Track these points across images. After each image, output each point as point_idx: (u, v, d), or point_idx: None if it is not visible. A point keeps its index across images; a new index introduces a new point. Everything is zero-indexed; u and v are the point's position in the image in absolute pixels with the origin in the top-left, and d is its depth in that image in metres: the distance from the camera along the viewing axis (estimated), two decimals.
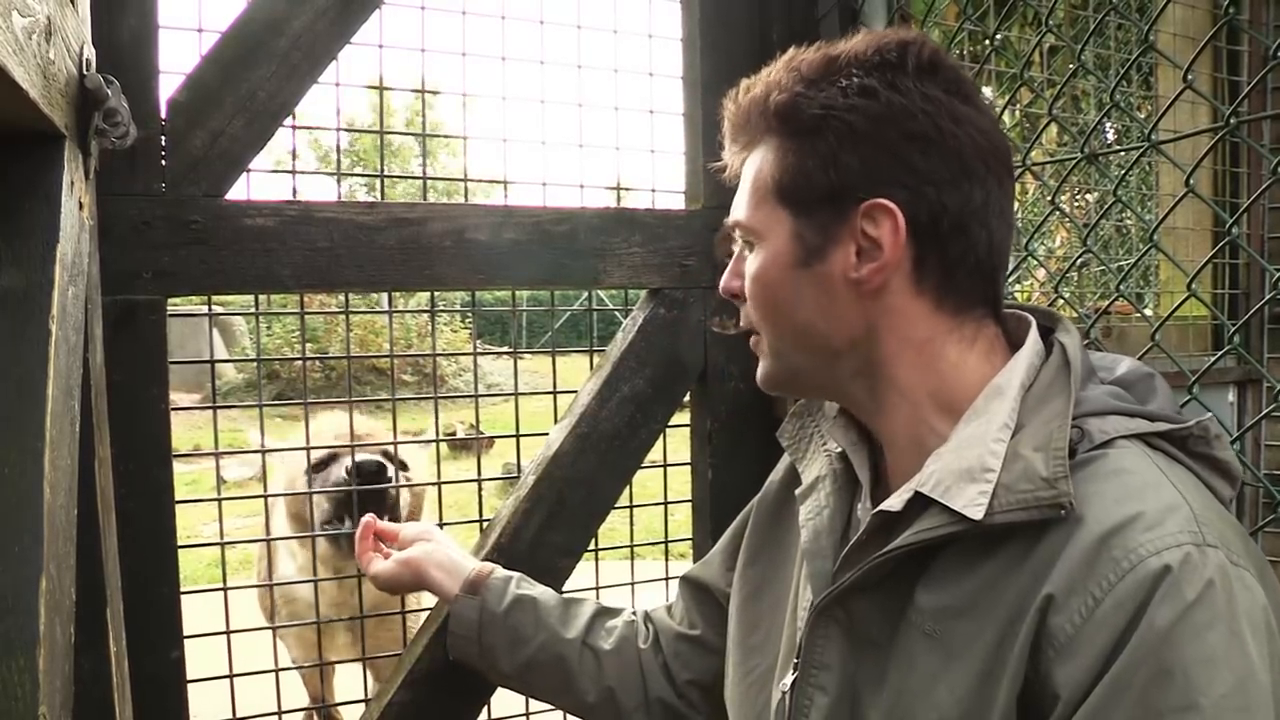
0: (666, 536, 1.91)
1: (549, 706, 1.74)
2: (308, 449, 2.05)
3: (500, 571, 1.42)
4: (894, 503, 0.90)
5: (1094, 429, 0.88)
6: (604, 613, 1.41)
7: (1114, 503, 0.81)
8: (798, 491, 1.10)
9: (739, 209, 1.01)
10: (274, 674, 1.62)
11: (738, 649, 1.18)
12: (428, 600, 2.14)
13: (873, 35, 0.96)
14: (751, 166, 1.00)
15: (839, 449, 1.08)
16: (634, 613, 1.42)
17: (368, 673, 2.34)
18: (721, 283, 1.06)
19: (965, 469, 0.86)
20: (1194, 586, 0.74)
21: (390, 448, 2.21)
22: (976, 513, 0.83)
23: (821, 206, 0.93)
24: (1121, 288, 1.54)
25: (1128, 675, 0.74)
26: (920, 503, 0.88)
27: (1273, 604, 0.79)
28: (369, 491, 2.02)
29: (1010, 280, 1.85)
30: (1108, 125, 3.73)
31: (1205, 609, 0.74)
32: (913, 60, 0.92)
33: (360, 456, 2.06)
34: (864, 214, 0.91)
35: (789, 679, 1.01)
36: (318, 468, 2.27)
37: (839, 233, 0.93)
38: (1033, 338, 0.96)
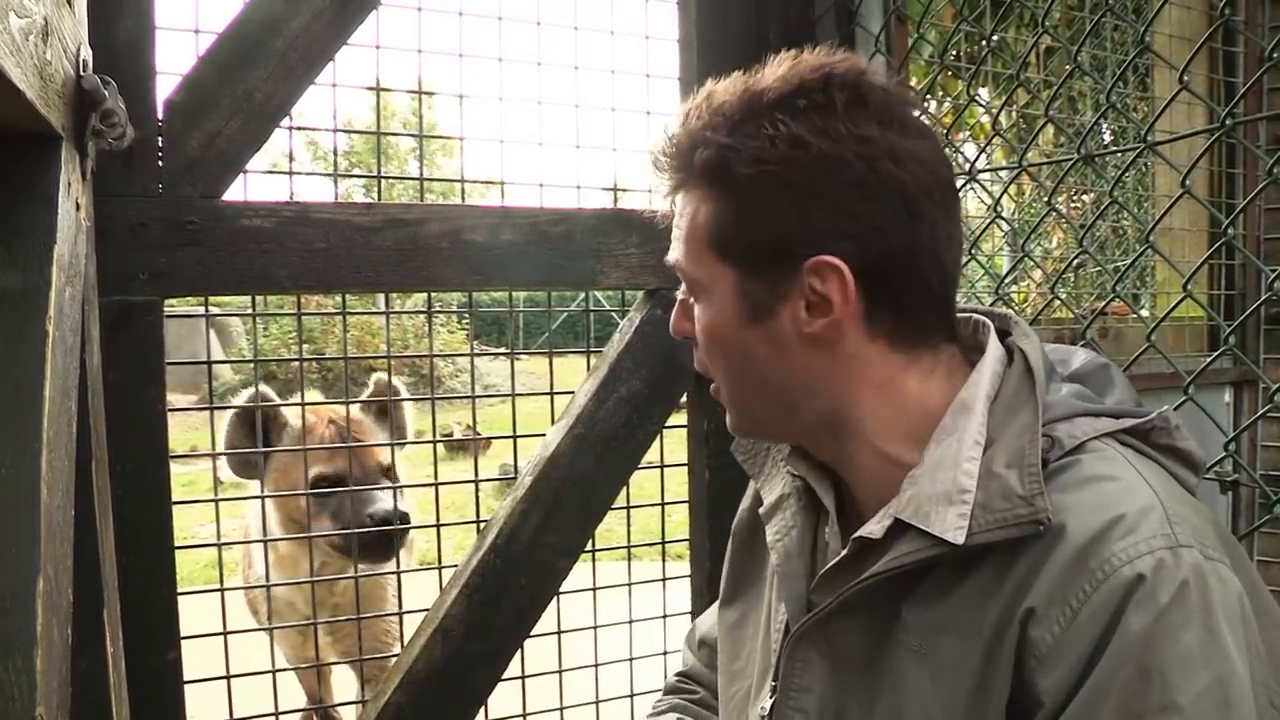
0: (664, 537, 1.91)
1: (548, 707, 1.75)
2: (305, 449, 2.05)
3: None
4: (874, 530, 0.89)
5: (1063, 434, 0.88)
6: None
7: (1090, 511, 0.81)
8: (762, 511, 1.09)
9: (678, 252, 0.98)
10: (271, 675, 1.62)
11: (723, 676, 1.17)
12: (409, 604, 2.14)
13: (795, 65, 0.91)
14: (685, 212, 0.95)
15: (798, 473, 1.06)
16: (683, 682, 1.34)
17: (355, 672, 2.34)
18: (672, 324, 1.04)
19: (942, 492, 0.86)
20: (1167, 590, 0.75)
21: (386, 456, 2.25)
22: (958, 537, 0.83)
23: (764, 264, 0.90)
24: (1118, 289, 1.54)
25: (1106, 680, 0.75)
26: (899, 526, 0.88)
27: (1248, 586, 0.80)
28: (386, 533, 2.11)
29: (1008, 281, 1.85)
30: (1104, 126, 3.74)
31: (1180, 610, 0.75)
32: (840, 96, 0.88)
33: (382, 506, 2.10)
34: (810, 271, 0.88)
35: (767, 702, 1.00)
36: (318, 484, 2.21)
37: (786, 290, 0.90)
38: (993, 345, 0.95)
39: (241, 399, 2.16)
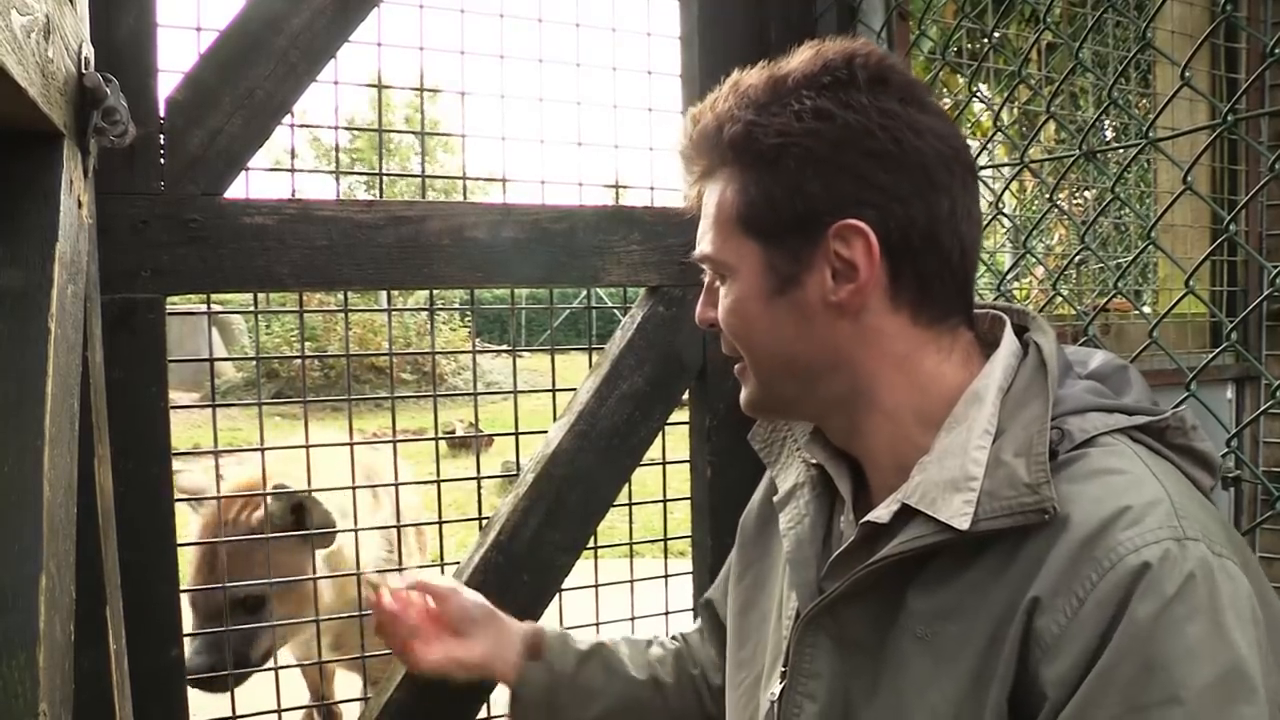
0: (665, 534, 1.91)
1: None
2: (307, 447, 2.04)
3: (548, 630, 1.41)
4: (881, 514, 0.90)
5: (1074, 428, 0.88)
6: (652, 644, 1.42)
7: (1095, 502, 0.81)
8: (776, 499, 1.10)
9: (705, 242, 0.99)
10: (274, 672, 1.62)
11: (730, 662, 1.19)
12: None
13: (817, 49, 0.94)
14: (712, 197, 0.98)
15: (815, 459, 1.08)
16: (674, 638, 1.43)
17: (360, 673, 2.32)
18: (697, 313, 1.06)
19: (949, 479, 0.86)
20: (1174, 581, 0.75)
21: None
22: (963, 523, 0.84)
23: (790, 234, 0.92)
24: (1120, 285, 1.54)
25: (1112, 670, 0.74)
26: (907, 512, 0.89)
27: (1257, 591, 0.80)
28: None
29: (1009, 278, 1.85)
30: (1106, 123, 3.74)
31: (1185, 602, 0.74)
32: (862, 74, 0.91)
33: (200, 661, 1.95)
34: (835, 236, 0.90)
35: (776, 687, 1.01)
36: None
37: (812, 258, 0.92)
38: (1008, 338, 0.96)
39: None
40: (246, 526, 2.17)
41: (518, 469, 1.72)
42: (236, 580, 1.94)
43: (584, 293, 2.07)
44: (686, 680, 1.37)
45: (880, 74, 0.92)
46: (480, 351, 2.44)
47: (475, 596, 1.40)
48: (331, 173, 1.74)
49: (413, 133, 2.00)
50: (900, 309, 0.93)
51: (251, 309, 1.64)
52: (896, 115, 0.90)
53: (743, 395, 1.04)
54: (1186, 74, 1.31)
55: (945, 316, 0.95)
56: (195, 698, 1.43)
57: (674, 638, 1.43)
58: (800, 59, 0.94)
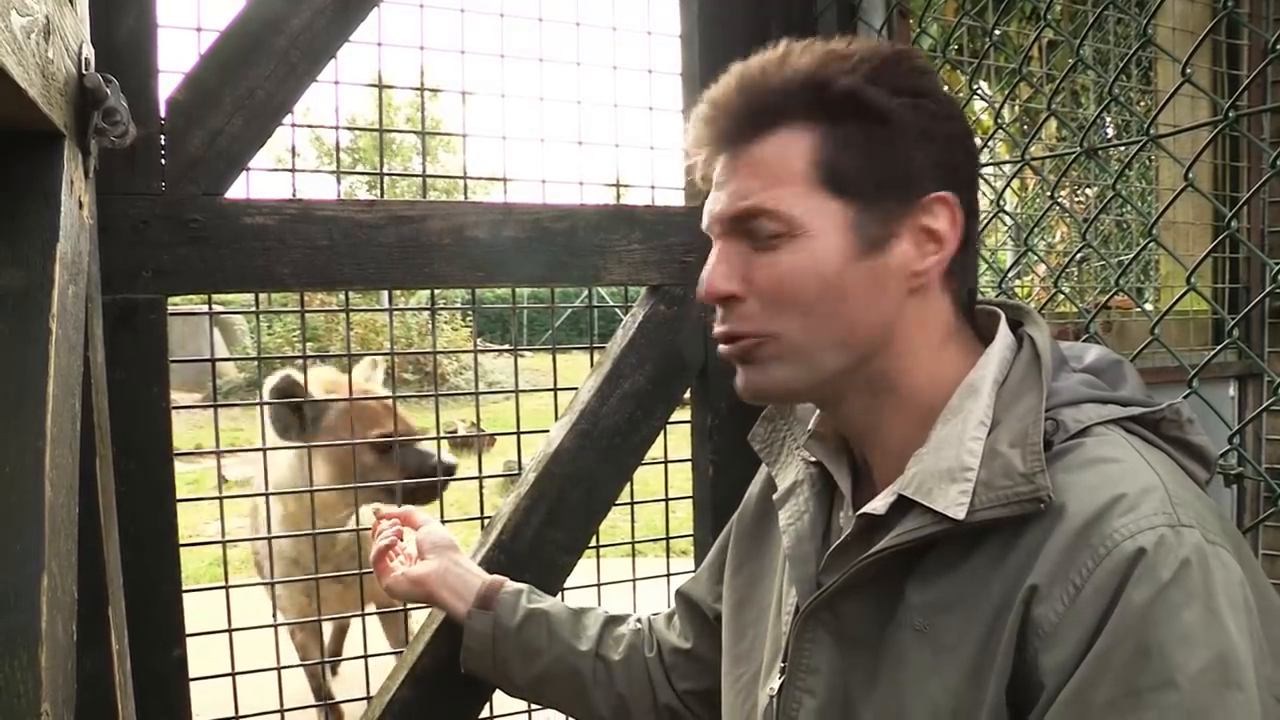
0: (668, 533, 1.92)
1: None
2: (308, 447, 2.05)
3: (510, 584, 1.43)
4: (877, 506, 0.91)
5: (1068, 419, 0.89)
6: (612, 621, 1.42)
7: (1091, 490, 0.82)
8: (775, 496, 1.11)
9: (758, 197, 0.91)
10: (276, 672, 1.62)
11: (727, 658, 1.19)
12: None
13: (869, 43, 0.95)
14: (776, 151, 0.92)
15: (815, 457, 1.08)
16: (639, 620, 1.43)
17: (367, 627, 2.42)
18: (714, 283, 0.94)
19: (945, 469, 0.87)
20: (1169, 566, 0.75)
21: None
22: (959, 513, 0.84)
23: (886, 197, 0.91)
24: (1121, 282, 1.54)
25: (1107, 654, 0.75)
26: (903, 504, 0.89)
27: (1250, 581, 0.80)
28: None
29: (1011, 276, 1.85)
30: (1107, 120, 3.73)
31: (1181, 588, 0.75)
32: (924, 65, 0.95)
33: (449, 460, 2.57)
34: (927, 206, 0.92)
35: (776, 682, 1.02)
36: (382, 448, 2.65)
37: (901, 225, 0.92)
38: (1003, 332, 0.97)
39: (273, 381, 2.50)
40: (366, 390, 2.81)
41: (519, 468, 1.72)
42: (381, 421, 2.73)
43: (585, 292, 2.07)
44: (638, 662, 1.37)
45: (929, 70, 0.97)
46: (482, 351, 2.45)
47: (445, 531, 1.51)
48: (333, 173, 1.74)
49: (414, 132, 2.00)
50: (948, 292, 0.96)
51: (253, 309, 1.64)
52: (960, 107, 0.96)
53: (752, 377, 0.96)
54: (1188, 70, 1.31)
55: (969, 308, 0.99)
56: (196, 697, 1.42)
57: (638, 619, 1.43)
58: (854, 45, 0.94)
